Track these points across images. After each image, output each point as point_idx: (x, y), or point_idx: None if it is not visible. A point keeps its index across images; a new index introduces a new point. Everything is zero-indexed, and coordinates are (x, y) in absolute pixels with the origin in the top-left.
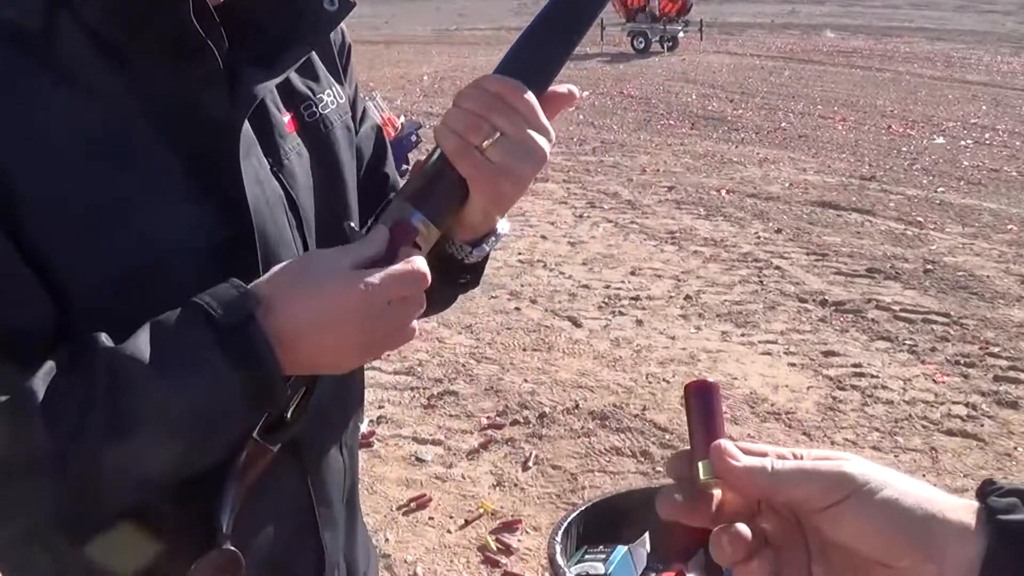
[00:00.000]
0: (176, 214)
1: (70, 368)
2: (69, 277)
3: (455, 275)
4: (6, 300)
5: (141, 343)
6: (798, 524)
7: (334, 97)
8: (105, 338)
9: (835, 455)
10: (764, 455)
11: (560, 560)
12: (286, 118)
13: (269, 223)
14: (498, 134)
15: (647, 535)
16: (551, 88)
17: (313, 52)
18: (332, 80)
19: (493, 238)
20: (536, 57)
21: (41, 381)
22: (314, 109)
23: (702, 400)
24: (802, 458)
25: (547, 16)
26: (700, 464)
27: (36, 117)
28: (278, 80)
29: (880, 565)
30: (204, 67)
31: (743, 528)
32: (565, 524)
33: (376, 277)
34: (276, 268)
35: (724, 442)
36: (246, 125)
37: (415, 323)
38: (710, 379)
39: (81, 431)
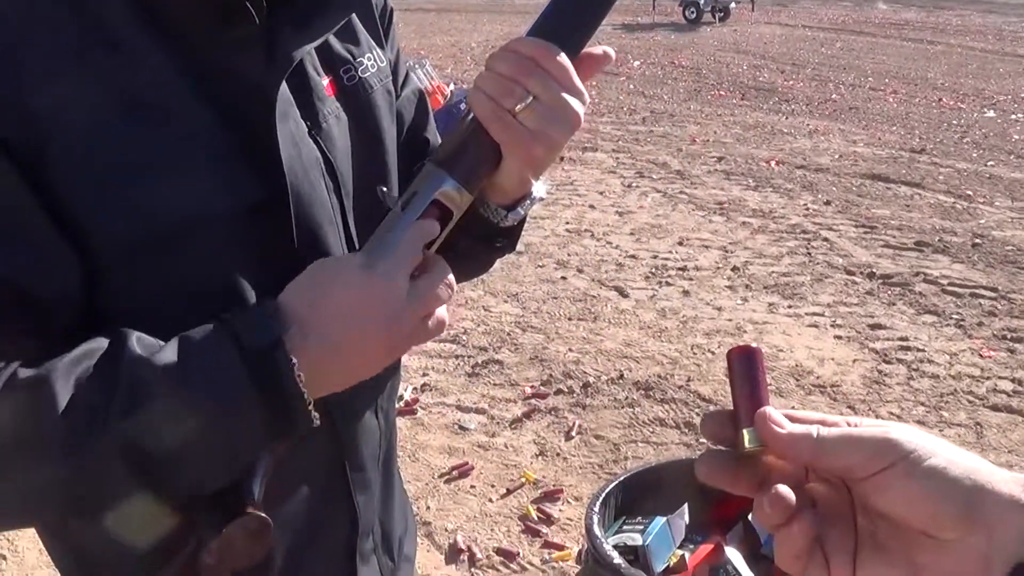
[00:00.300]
0: (210, 175)
1: (94, 365)
2: (100, 239)
3: (491, 239)
4: (32, 266)
5: (168, 356)
6: (847, 493)
7: (374, 61)
8: (135, 342)
9: (883, 423)
10: (810, 422)
11: (598, 531)
12: (325, 82)
13: (304, 185)
14: (531, 98)
15: (686, 506)
16: (585, 50)
17: (353, 15)
18: (373, 44)
19: (528, 201)
20: (569, 19)
21: (65, 372)
22: (353, 73)
23: (746, 366)
24: (851, 426)
25: None
26: (745, 432)
27: (70, 74)
28: (316, 43)
29: (926, 536)
30: (242, 29)
31: (785, 490)
32: (603, 495)
33: (391, 263)
34: (295, 283)
35: (770, 409)
36: (283, 87)
37: (443, 313)
38: (753, 345)
39: (92, 440)
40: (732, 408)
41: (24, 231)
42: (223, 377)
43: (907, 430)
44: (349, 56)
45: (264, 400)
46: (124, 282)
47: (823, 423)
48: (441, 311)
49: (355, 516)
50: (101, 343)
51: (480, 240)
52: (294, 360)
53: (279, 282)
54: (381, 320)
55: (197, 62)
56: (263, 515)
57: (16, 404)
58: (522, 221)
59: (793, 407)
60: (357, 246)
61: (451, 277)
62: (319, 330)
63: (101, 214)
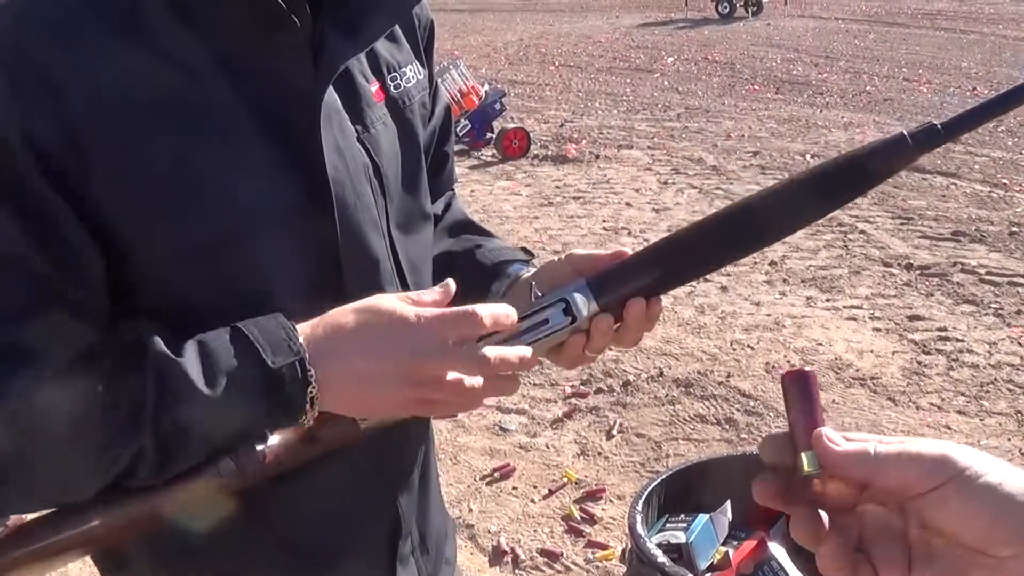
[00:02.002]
0: (255, 182)
1: (120, 369)
2: (144, 246)
3: None
4: (60, 262)
5: (191, 366)
6: (900, 512)
7: (415, 72)
8: (158, 343)
9: (939, 442)
10: (866, 441)
11: (641, 530)
12: (374, 87)
13: (349, 193)
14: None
15: (728, 503)
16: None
17: (397, 26)
18: (413, 55)
19: None
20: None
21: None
22: (399, 82)
23: (800, 389)
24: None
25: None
26: (804, 455)
27: (115, 82)
28: (362, 50)
29: (983, 555)
30: (287, 37)
31: (809, 517)
32: (646, 493)
33: (431, 313)
34: (332, 313)
35: (826, 429)
36: (331, 94)
37: (473, 385)
38: (807, 368)
39: (128, 437)
40: (788, 432)
41: (52, 226)
42: (245, 393)
43: (963, 449)
44: (395, 64)
45: (273, 410)
46: (170, 286)
47: (880, 442)
48: (471, 381)
49: (398, 517)
50: (129, 348)
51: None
52: (313, 385)
53: (324, 284)
54: (403, 354)
55: (242, 69)
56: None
57: (58, 401)
58: None
59: (834, 401)
60: (398, 250)
61: (508, 357)
62: (343, 357)
63: (145, 222)
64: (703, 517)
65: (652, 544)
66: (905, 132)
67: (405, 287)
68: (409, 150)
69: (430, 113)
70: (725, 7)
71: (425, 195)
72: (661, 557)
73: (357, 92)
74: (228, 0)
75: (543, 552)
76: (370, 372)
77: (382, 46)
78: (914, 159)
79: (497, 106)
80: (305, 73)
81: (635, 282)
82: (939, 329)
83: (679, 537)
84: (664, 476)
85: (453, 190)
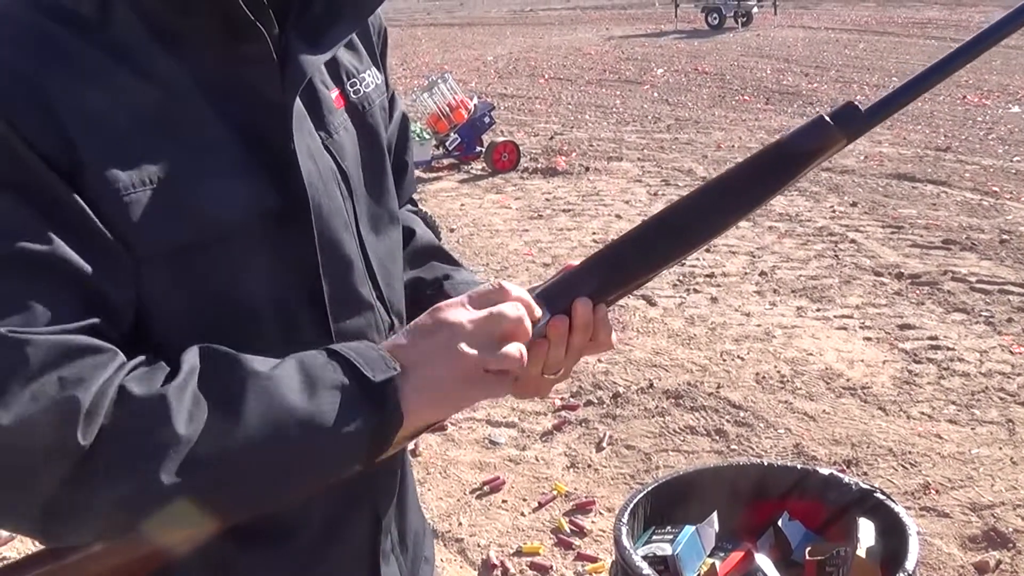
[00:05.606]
0: (229, 189)
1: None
2: (129, 253)
3: None
4: (105, 270)
5: (294, 393)
6: None
7: (374, 77)
8: (260, 363)
9: None
10: None
11: (626, 542)
12: (333, 94)
13: (323, 197)
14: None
15: (715, 514)
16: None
17: (354, 33)
18: (370, 61)
19: None
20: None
21: (178, 390)
22: (359, 87)
23: None
24: None
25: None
26: None
27: (92, 95)
28: (327, 57)
29: None
30: (254, 47)
31: None
32: (632, 505)
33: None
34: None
35: None
36: (297, 102)
37: (513, 349)
38: None
39: (213, 462)
40: None
41: (92, 236)
42: (347, 410)
43: None
44: (355, 70)
45: (371, 424)
46: (150, 292)
47: None
48: (512, 347)
49: (378, 515)
50: (208, 358)
51: None
52: (399, 395)
53: (302, 290)
54: (451, 335)
55: (212, 80)
56: None
57: (139, 420)
58: None
59: (824, 411)
60: (368, 251)
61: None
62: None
63: (128, 228)
64: (689, 529)
65: (637, 556)
66: (824, 114)
67: (376, 287)
68: (371, 153)
69: (388, 118)
70: (715, 18)
71: (391, 197)
72: (647, 570)
73: (318, 99)
74: (197, 11)
75: (533, 565)
76: (437, 375)
77: (341, 53)
78: (838, 140)
79: (486, 119)
80: (274, 82)
81: (581, 289)
82: (930, 338)
83: (665, 549)
84: (650, 487)
85: (419, 209)
